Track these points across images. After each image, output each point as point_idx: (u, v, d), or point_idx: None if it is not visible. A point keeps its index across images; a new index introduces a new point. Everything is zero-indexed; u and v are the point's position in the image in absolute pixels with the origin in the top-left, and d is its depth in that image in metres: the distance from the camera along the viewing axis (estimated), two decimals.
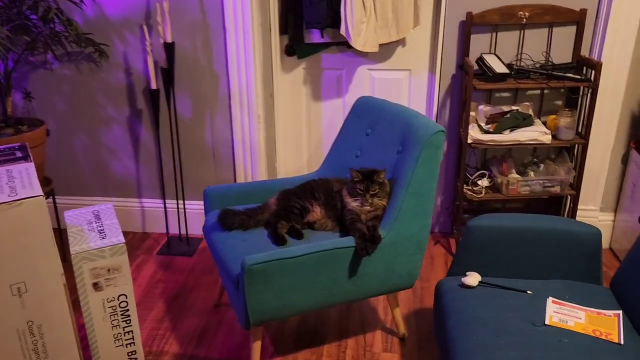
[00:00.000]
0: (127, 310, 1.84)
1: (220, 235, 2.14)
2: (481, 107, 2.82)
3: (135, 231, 3.25)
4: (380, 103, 2.38)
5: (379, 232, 1.97)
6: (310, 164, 3.21)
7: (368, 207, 2.05)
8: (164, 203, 3.00)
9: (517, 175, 2.80)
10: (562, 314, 1.73)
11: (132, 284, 1.81)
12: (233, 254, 2.01)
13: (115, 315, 1.82)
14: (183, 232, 3.15)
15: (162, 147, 3.03)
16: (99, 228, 1.83)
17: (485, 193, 2.81)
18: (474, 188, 2.85)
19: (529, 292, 1.86)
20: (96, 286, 1.76)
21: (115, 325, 1.84)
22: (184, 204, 3.01)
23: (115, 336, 1.84)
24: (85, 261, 1.71)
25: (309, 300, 1.95)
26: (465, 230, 1.99)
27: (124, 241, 1.76)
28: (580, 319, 1.71)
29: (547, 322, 1.68)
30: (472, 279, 1.92)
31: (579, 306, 1.77)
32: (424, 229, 2.06)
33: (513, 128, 2.70)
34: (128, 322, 1.85)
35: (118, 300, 1.81)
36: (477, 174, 2.88)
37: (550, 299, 1.81)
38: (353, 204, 2.07)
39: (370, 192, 2.03)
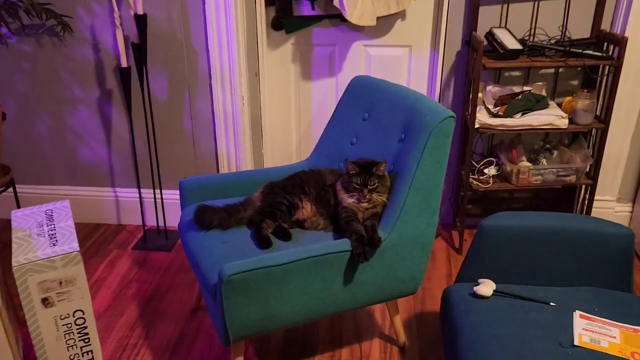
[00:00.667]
0: (85, 327, 1.57)
1: (197, 236, 1.87)
2: (489, 87, 2.55)
3: (109, 223, 2.97)
4: (379, 83, 2.10)
5: (378, 234, 1.71)
6: (299, 150, 2.93)
7: (366, 204, 1.79)
8: (139, 193, 2.71)
9: (528, 163, 2.55)
10: (593, 331, 1.48)
11: (89, 297, 1.54)
12: (211, 258, 1.74)
13: (71, 334, 1.56)
14: (161, 224, 2.87)
15: (135, 131, 2.73)
16: (50, 232, 1.55)
17: (492, 183, 2.55)
18: (480, 177, 2.59)
19: (552, 303, 1.61)
20: (46, 302, 1.48)
21: (72, 345, 1.57)
22: (161, 194, 2.73)
23: (71, 357, 1.58)
24: (32, 274, 1.44)
25: (299, 312, 1.70)
26: (478, 230, 1.74)
27: (78, 249, 1.48)
28: (615, 338, 1.46)
29: (576, 343, 1.44)
30: (486, 287, 1.66)
31: (611, 322, 1.53)
32: (430, 228, 1.80)
33: (525, 111, 2.44)
34: (86, 340, 1.59)
35: (74, 316, 1.54)
36: (483, 161, 2.62)
37: (577, 313, 1.56)
38: (349, 200, 1.80)
39: (369, 187, 1.77)
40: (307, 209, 1.89)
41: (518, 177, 2.51)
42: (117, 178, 2.87)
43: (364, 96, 2.13)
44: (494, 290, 1.66)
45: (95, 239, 2.82)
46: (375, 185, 1.77)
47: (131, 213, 2.91)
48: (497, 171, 2.62)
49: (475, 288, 1.67)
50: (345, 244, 1.70)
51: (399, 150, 1.86)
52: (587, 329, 1.50)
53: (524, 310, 1.58)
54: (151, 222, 2.90)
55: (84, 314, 1.55)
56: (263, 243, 1.77)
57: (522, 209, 2.84)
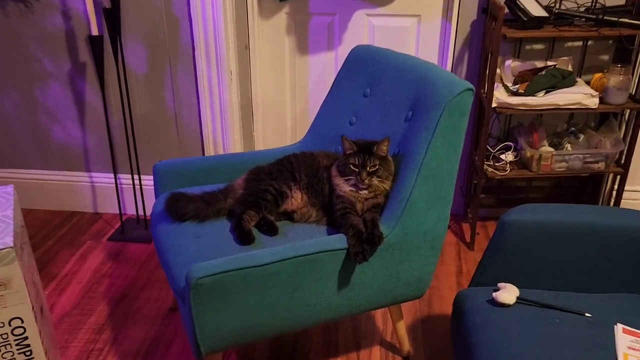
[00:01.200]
0: (25, 337, 1.31)
1: (169, 228, 1.61)
2: (508, 62, 2.26)
3: (84, 211, 2.70)
4: (383, 54, 1.81)
5: (380, 229, 1.44)
6: (295, 132, 2.65)
7: (365, 192, 1.51)
8: (115, 178, 2.44)
9: (550, 149, 2.26)
10: None
11: (29, 301, 1.28)
12: (182, 256, 1.47)
13: (8, 346, 1.30)
14: (141, 213, 2.60)
15: (110, 109, 2.46)
16: None
17: (510, 170, 2.27)
18: (496, 164, 2.31)
19: (587, 314, 1.34)
20: None
21: None
22: (139, 180, 2.46)
23: None
24: None
25: (284, 321, 1.43)
26: (499, 226, 1.46)
27: (12, 244, 1.22)
28: None
29: None
30: (508, 294, 1.39)
31: None
32: (440, 223, 1.53)
33: (549, 89, 2.14)
34: (28, 353, 1.33)
35: (10, 325, 1.28)
36: (500, 146, 2.34)
37: (620, 327, 1.29)
38: (345, 187, 1.53)
39: (369, 169, 1.49)
40: (296, 199, 1.62)
41: (539, 164, 2.22)
42: (93, 161, 2.60)
43: (365, 68, 1.84)
44: (518, 298, 1.39)
45: (67, 229, 2.56)
46: (377, 167, 1.50)
47: (108, 200, 2.64)
48: (515, 157, 2.33)
49: (494, 294, 1.40)
50: (340, 240, 1.43)
51: (405, 130, 1.58)
52: (633, 348, 1.23)
53: (555, 324, 1.31)
54: (130, 210, 2.64)
55: (23, 322, 1.28)
56: (244, 238, 1.50)
57: (540, 200, 2.56)
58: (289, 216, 1.63)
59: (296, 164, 1.66)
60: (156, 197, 1.85)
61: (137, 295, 2.11)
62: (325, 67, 2.51)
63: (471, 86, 1.44)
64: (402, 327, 1.75)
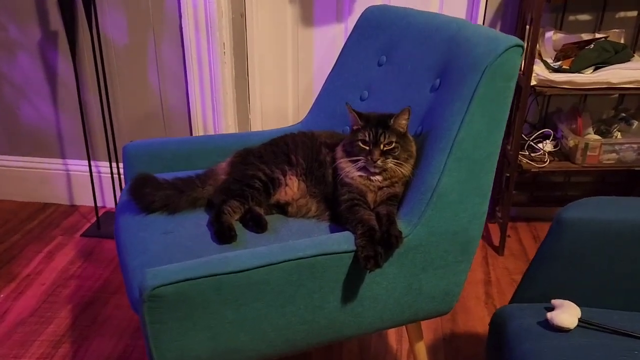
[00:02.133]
0: None
1: (131, 222, 1.29)
2: (549, 34, 1.91)
3: (59, 203, 2.39)
4: (403, 14, 1.48)
5: (397, 227, 1.11)
6: (297, 114, 2.32)
7: (379, 178, 1.18)
8: (89, 166, 2.13)
9: (597, 137, 1.92)
10: None
11: None
12: (142, 257, 1.15)
13: None
14: None
15: (84, 86, 2.14)
16: None
17: (549, 161, 1.92)
18: (532, 154, 1.97)
19: None
20: None
21: None
22: (118, 168, 2.14)
23: None
24: None
25: (272, 343, 1.10)
26: (555, 226, 1.12)
27: None
28: None
29: None
30: (567, 315, 1.05)
31: None
32: (475, 221, 1.19)
33: (599, 65, 1.80)
34: None
35: None
36: (536, 134, 1.99)
37: None
38: (353, 172, 1.20)
39: (382, 147, 1.16)
40: (292, 187, 1.29)
41: (585, 155, 1.88)
42: (68, 146, 2.29)
43: (380, 32, 1.51)
44: (580, 320, 1.06)
45: (37, 222, 2.25)
46: (393, 145, 1.16)
47: (86, 191, 2.33)
48: (555, 147, 1.99)
49: (549, 315, 1.06)
50: (346, 240, 1.10)
51: (431, 103, 1.25)
52: None
53: (634, 356, 0.98)
54: (109, 203, 2.33)
55: None
56: (222, 235, 1.17)
57: (582, 197, 2.21)
58: (282, 209, 1.30)
59: (293, 145, 1.33)
60: (126, 183, 1.53)
61: (107, 301, 1.80)
62: (333, 41, 2.18)
63: (520, 42, 1.11)
64: (421, 349, 1.41)
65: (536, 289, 1.17)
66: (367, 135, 1.17)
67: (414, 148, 1.20)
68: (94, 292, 1.84)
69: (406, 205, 1.16)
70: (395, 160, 1.16)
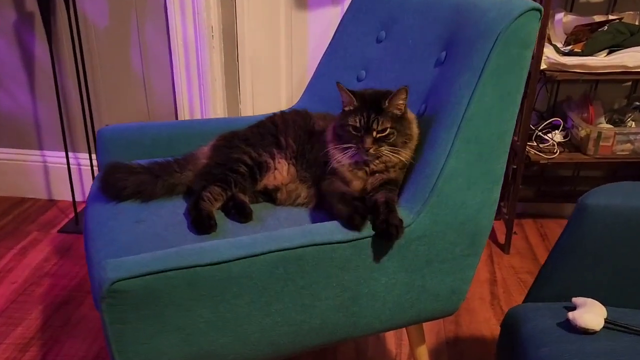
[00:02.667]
0: None
1: (101, 210, 1.15)
2: (559, 16, 1.79)
3: (37, 197, 2.25)
4: None
5: (398, 215, 0.98)
6: (290, 101, 2.18)
7: (372, 166, 1.05)
8: (67, 157, 1.99)
9: (610, 126, 1.79)
10: None
11: None
12: (109, 248, 1.02)
13: None
14: None
15: (63, 71, 2.01)
16: None
17: (559, 153, 1.80)
18: (540, 145, 1.84)
19: None
20: None
21: None
22: (97, 160, 2.00)
23: None
24: None
25: (255, 347, 0.97)
26: (576, 215, 0.99)
27: None
28: None
29: None
30: (592, 315, 0.93)
31: None
32: (485, 210, 1.06)
33: (613, 48, 1.68)
34: None
35: None
36: (546, 123, 1.87)
37: None
38: (343, 159, 1.07)
39: (376, 134, 1.03)
40: (281, 171, 1.16)
41: (597, 145, 1.75)
42: (47, 137, 2.15)
43: (379, 6, 1.38)
44: (606, 320, 0.93)
45: (12, 217, 2.11)
46: (387, 131, 1.03)
47: (65, 185, 2.19)
48: (564, 137, 1.86)
49: (571, 315, 0.93)
50: (340, 229, 0.96)
51: (436, 78, 1.12)
52: None
53: None
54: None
55: None
56: (200, 224, 1.04)
57: None
58: (270, 196, 1.17)
59: (283, 125, 1.20)
60: (99, 171, 1.40)
61: (82, 301, 1.66)
62: (328, 24, 2.05)
63: (537, 5, 0.98)
64: (423, 354, 1.28)
65: (554, 286, 1.04)
66: (358, 121, 1.03)
67: (414, 129, 1.07)
68: (68, 291, 1.71)
69: (408, 191, 1.03)
70: (391, 147, 1.03)
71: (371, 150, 1.03)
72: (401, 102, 1.05)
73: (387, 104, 1.04)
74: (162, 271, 0.84)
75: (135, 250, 0.96)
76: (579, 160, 1.80)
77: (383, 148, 1.03)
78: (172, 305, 0.87)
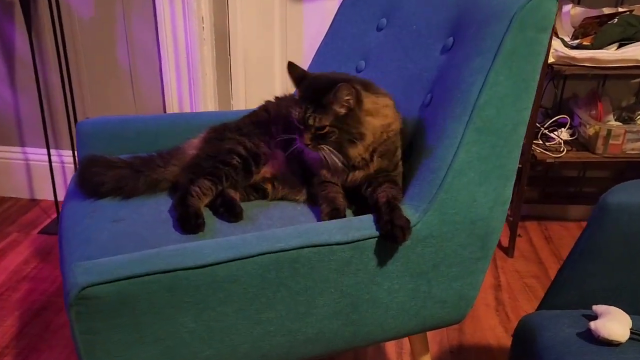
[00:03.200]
0: None
1: (78, 208, 1.05)
2: (566, 8, 1.71)
3: (18, 197, 2.15)
4: None
5: (403, 215, 0.89)
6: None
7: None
8: (49, 154, 1.89)
9: (620, 123, 1.71)
10: None
11: None
12: (83, 249, 0.92)
13: None
14: None
15: (45, 64, 1.91)
16: None
17: (566, 151, 1.72)
18: (547, 143, 1.76)
19: None
20: None
21: None
22: (77, 155, 1.90)
23: None
24: None
25: (245, 359, 0.87)
26: (597, 215, 0.91)
27: None
28: None
29: None
30: (616, 324, 0.84)
31: None
32: (497, 208, 0.97)
33: (623, 42, 1.60)
34: None
35: None
36: (552, 120, 1.79)
37: None
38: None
39: (314, 131, 0.94)
40: (278, 161, 1.07)
41: (607, 144, 1.67)
42: (29, 133, 2.05)
43: None
44: (632, 330, 0.84)
45: None
46: (325, 130, 0.93)
47: (47, 183, 2.08)
48: (571, 135, 1.78)
49: (593, 324, 0.84)
50: (340, 230, 0.87)
51: (443, 66, 1.03)
52: None
53: None
54: None
55: None
56: (187, 222, 0.94)
57: (596, 195, 2.00)
58: (262, 190, 1.07)
59: (275, 112, 1.11)
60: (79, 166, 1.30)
61: (62, 307, 1.56)
62: (325, 17, 1.96)
63: None
64: None
65: (572, 292, 0.95)
66: (297, 113, 0.94)
67: (367, 124, 0.95)
68: (48, 297, 1.60)
69: (413, 187, 0.94)
70: (333, 146, 0.94)
71: (309, 147, 0.94)
72: (345, 97, 0.92)
73: (326, 101, 0.93)
74: (139, 275, 0.74)
75: (112, 251, 0.87)
76: (587, 160, 1.72)
77: (324, 146, 0.94)
78: (150, 314, 0.77)
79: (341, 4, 1.38)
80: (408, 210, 0.92)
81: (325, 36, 1.41)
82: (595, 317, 0.87)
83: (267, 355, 0.90)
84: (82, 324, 0.74)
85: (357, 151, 0.96)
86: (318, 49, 1.43)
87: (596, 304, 0.90)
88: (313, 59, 1.43)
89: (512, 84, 0.90)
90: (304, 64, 1.98)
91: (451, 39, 1.04)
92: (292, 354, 0.92)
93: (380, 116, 0.97)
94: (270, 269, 0.82)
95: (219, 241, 0.82)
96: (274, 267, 0.82)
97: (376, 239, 0.89)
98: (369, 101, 0.96)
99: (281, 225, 0.95)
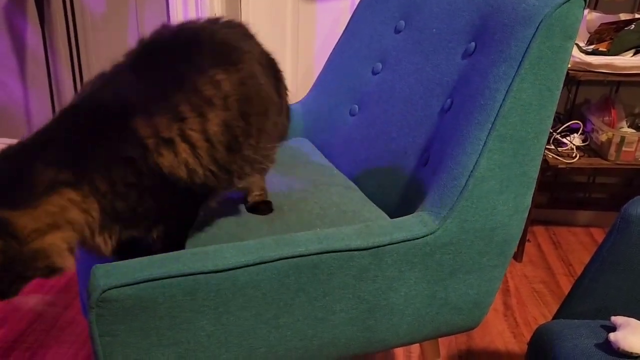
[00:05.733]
0: None
1: None
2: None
3: None
4: None
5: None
6: (297, 95, 2.08)
7: None
8: None
9: (633, 130, 1.70)
10: None
11: None
12: None
13: None
14: None
15: (57, 60, 1.90)
16: None
17: (578, 157, 1.71)
18: (559, 149, 1.75)
19: None
20: None
21: None
22: None
23: None
24: None
25: None
26: (620, 225, 0.90)
27: None
28: None
29: None
30: (637, 338, 0.83)
31: None
32: (517, 216, 0.96)
33: (639, 49, 1.59)
34: None
35: None
36: (564, 126, 1.78)
37: None
38: None
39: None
40: None
41: (620, 150, 1.66)
42: (38, 127, 2.04)
43: None
44: None
45: None
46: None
47: None
48: (583, 141, 1.77)
49: (613, 336, 0.84)
50: (358, 235, 0.87)
51: (465, 71, 1.02)
52: None
53: None
54: None
55: None
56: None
57: (605, 201, 2.00)
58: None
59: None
60: None
61: (70, 304, 1.55)
62: (338, 17, 1.95)
63: None
64: None
65: (590, 302, 0.94)
66: None
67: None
68: (55, 293, 1.60)
69: (433, 194, 0.94)
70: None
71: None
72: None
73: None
74: (160, 278, 0.74)
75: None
76: (599, 166, 1.71)
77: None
78: (169, 317, 0.77)
79: (358, 4, 1.37)
80: (428, 216, 0.91)
81: (341, 36, 1.40)
82: (613, 328, 0.87)
83: (282, 359, 0.89)
84: (102, 326, 0.73)
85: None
86: (334, 48, 1.42)
87: (615, 315, 0.89)
88: (329, 57, 1.42)
89: (536, 92, 0.89)
90: (316, 63, 1.98)
91: (473, 43, 1.03)
92: (306, 358, 0.91)
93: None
94: (290, 274, 0.82)
95: (239, 245, 0.81)
96: (293, 272, 0.82)
97: (395, 245, 0.88)
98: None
99: (298, 230, 0.94)
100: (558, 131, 1.77)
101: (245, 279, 0.79)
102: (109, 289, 0.71)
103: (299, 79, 2.05)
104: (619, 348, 0.83)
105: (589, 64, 1.55)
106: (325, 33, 1.97)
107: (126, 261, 0.75)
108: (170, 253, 0.78)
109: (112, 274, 0.72)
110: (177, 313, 0.77)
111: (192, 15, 1.79)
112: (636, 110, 1.84)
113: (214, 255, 0.78)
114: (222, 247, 0.80)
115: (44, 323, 1.48)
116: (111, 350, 0.75)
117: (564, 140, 1.76)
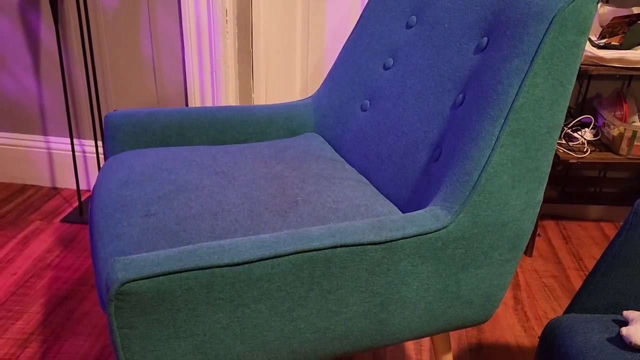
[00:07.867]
0: None
1: (108, 202, 1.06)
2: None
3: (41, 185, 2.17)
4: None
5: None
6: (305, 91, 2.09)
7: None
8: (72, 144, 1.90)
9: None
10: None
11: None
12: (115, 243, 0.93)
13: None
14: None
15: (70, 55, 1.92)
16: None
17: (589, 152, 1.70)
18: (570, 143, 1.75)
19: None
20: None
21: None
22: (104, 147, 1.92)
23: None
24: None
25: (275, 354, 0.89)
26: (633, 220, 0.90)
27: None
28: None
29: None
30: None
31: None
32: (529, 211, 0.97)
33: None
34: None
35: None
36: (575, 120, 1.77)
37: None
38: None
39: None
40: None
41: (631, 145, 1.66)
42: (51, 122, 2.07)
43: None
44: None
45: (14, 205, 2.03)
46: None
47: (69, 172, 2.11)
48: (594, 136, 1.77)
49: (624, 330, 0.84)
50: (372, 229, 0.88)
51: (477, 66, 1.02)
52: None
53: None
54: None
55: None
56: None
57: (615, 196, 2.00)
58: None
59: None
60: (106, 159, 1.32)
61: (85, 296, 1.58)
62: (348, 11, 1.95)
63: None
64: None
65: (603, 297, 0.95)
66: None
67: None
68: (71, 285, 1.62)
69: (445, 188, 0.94)
70: None
71: None
72: None
73: None
74: (177, 272, 0.75)
75: (145, 246, 0.88)
76: (610, 161, 1.70)
77: None
78: (186, 309, 0.78)
79: (368, 3, 1.38)
80: (441, 211, 0.92)
81: (352, 32, 1.40)
82: (626, 322, 0.87)
83: (295, 352, 0.90)
84: (120, 319, 0.75)
85: None
86: (345, 43, 1.42)
87: (627, 310, 0.89)
88: (340, 53, 1.43)
89: (549, 87, 0.89)
90: (326, 59, 1.99)
91: (485, 38, 1.03)
92: (319, 350, 0.93)
93: None
94: (304, 267, 0.83)
95: (254, 239, 0.82)
96: (307, 266, 0.83)
97: (408, 239, 0.89)
98: None
99: (312, 223, 0.95)
100: (569, 126, 1.77)
101: (260, 273, 0.80)
102: (127, 282, 0.72)
103: (310, 74, 2.06)
104: (631, 342, 0.83)
105: (601, 58, 1.55)
106: (335, 28, 1.97)
107: (144, 255, 0.77)
108: (187, 247, 0.79)
109: (130, 267, 0.74)
110: (194, 306, 0.78)
111: (203, 10, 1.80)
112: None
113: (229, 249, 0.79)
114: (237, 241, 0.81)
115: (59, 315, 1.50)
116: (129, 342, 0.77)
117: (575, 134, 1.76)
